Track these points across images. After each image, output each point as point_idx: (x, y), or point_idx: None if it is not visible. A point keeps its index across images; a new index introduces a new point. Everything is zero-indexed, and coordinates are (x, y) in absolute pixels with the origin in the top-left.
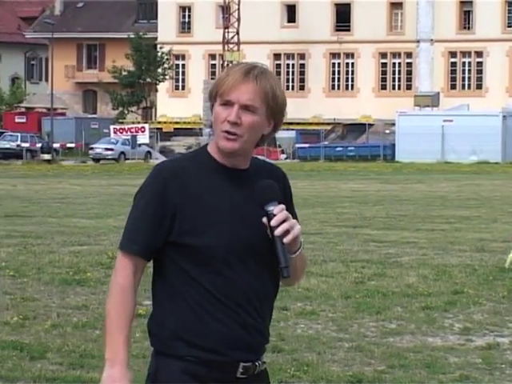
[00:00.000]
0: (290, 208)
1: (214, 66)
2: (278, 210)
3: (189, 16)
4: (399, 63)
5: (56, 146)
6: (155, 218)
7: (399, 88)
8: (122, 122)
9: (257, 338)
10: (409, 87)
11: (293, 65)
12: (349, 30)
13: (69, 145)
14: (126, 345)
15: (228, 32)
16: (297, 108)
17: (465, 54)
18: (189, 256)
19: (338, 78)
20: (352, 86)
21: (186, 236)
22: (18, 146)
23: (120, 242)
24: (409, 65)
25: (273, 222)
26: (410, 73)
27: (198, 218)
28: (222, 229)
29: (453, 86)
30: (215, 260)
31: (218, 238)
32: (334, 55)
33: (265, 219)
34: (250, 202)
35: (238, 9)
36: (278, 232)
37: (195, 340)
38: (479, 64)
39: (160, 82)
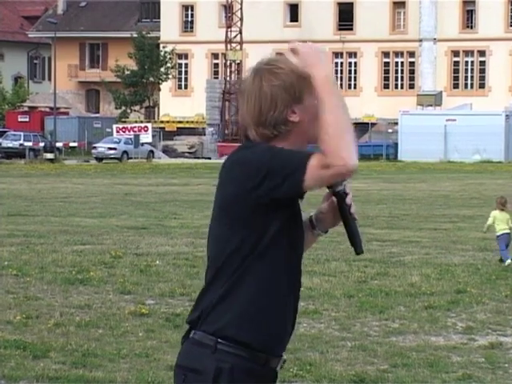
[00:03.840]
0: None
1: (216, 65)
2: (349, 189)
3: (191, 15)
4: (402, 62)
5: (59, 145)
6: None
7: (402, 87)
8: (124, 121)
9: (291, 333)
10: (411, 86)
11: None
12: (351, 29)
13: (72, 144)
14: None
15: (231, 31)
16: None
17: (468, 53)
18: (284, 249)
19: (341, 77)
20: (355, 85)
21: (290, 224)
22: (20, 145)
23: (304, 158)
24: (411, 64)
25: (348, 200)
26: (412, 72)
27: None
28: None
29: (455, 85)
30: (297, 255)
31: (300, 232)
32: (337, 54)
33: (334, 199)
34: None
35: (241, 8)
36: (353, 210)
37: (265, 329)
38: (482, 63)
39: (163, 81)
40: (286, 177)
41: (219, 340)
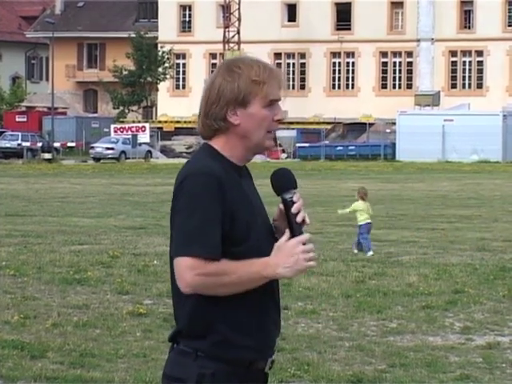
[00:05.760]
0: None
1: (214, 65)
2: (297, 198)
3: (189, 15)
4: (400, 62)
5: (57, 145)
6: (219, 220)
7: (400, 87)
8: (122, 122)
9: (278, 333)
10: (409, 86)
11: (293, 64)
12: (349, 29)
13: (69, 144)
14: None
15: (228, 31)
16: (297, 107)
17: (465, 53)
18: (237, 257)
19: (339, 78)
20: (352, 85)
21: (238, 237)
22: (18, 145)
23: (185, 246)
24: (409, 64)
25: (293, 209)
26: (410, 72)
27: (245, 218)
28: (258, 227)
29: (453, 86)
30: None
31: (258, 236)
32: (335, 54)
33: (281, 205)
34: (256, 195)
35: (239, 8)
36: (299, 218)
37: (243, 342)
38: (480, 63)
39: (161, 81)
40: (177, 238)
41: (199, 352)
